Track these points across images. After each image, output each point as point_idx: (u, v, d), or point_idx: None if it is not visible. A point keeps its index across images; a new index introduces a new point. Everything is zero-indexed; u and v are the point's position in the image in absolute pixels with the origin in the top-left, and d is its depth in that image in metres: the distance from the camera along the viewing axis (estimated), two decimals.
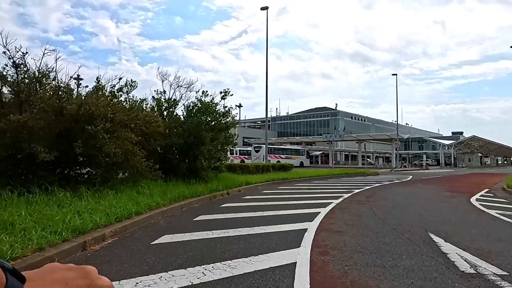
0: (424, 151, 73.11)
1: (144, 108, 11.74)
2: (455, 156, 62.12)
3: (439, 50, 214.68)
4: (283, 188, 15.06)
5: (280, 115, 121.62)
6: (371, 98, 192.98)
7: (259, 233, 6.11)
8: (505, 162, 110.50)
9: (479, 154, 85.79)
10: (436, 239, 5.88)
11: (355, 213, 8.65)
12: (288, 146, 59.23)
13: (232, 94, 13.94)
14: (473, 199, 11.95)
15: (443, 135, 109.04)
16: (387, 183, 19.57)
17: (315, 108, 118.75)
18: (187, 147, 12.03)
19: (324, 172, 24.15)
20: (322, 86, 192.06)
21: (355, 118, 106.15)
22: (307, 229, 6.45)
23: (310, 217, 7.64)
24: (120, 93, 8.95)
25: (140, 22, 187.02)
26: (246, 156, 57.09)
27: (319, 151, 77.54)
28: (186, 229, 6.39)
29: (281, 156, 53.46)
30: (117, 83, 9.15)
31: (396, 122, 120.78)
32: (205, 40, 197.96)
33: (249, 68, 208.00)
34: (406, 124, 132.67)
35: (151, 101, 12.87)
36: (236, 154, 58.63)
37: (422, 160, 69.49)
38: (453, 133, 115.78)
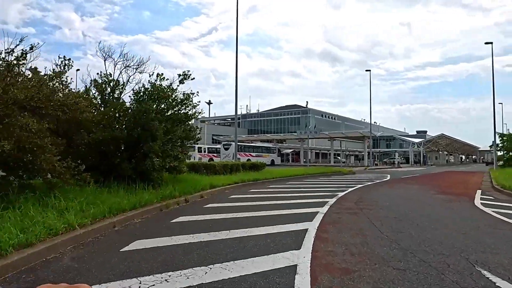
0: (394, 149, 73.27)
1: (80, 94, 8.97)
2: (424, 154, 62.39)
3: (404, 52, 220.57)
4: (255, 192, 12.70)
5: (251, 112, 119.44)
6: (339, 97, 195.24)
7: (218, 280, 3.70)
8: (467, 160, 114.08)
9: (445, 152, 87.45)
10: (501, 283, 3.71)
11: (354, 229, 6.40)
12: (259, 144, 57.10)
13: (193, 78, 11.39)
14: (478, 204, 10.12)
15: (409, 134, 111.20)
16: (369, 183, 17.71)
17: (286, 105, 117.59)
18: (134, 141, 9.37)
19: (299, 171, 22.04)
20: (291, 84, 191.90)
21: (325, 116, 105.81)
22: (295, 267, 4.11)
23: (296, 240, 5.31)
24: (24, 62, 6.14)
25: (106, 16, 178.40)
26: (215, 154, 54.42)
27: (290, 149, 76.01)
28: (101, 275, 3.86)
29: (252, 154, 51.22)
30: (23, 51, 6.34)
31: (364, 120, 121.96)
32: (175, 36, 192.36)
33: (219, 66, 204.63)
34: (375, 122, 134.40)
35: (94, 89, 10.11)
36: (205, 152, 55.82)
37: (392, 158, 69.56)
38: (417, 131, 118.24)
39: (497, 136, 36.08)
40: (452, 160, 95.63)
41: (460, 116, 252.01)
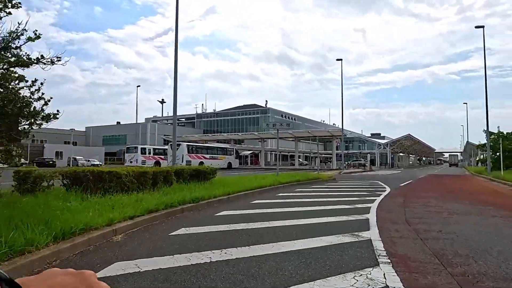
0: (359, 151, 68.99)
1: None
2: (392, 156, 58.40)
3: (357, 57, 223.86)
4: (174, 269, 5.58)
5: (206, 112, 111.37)
6: (296, 101, 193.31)
7: None
8: (424, 162, 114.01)
9: (406, 154, 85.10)
10: None
11: None
12: (215, 145, 49.63)
13: None
14: None
15: (366, 136, 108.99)
16: (378, 199, 11.19)
17: (244, 105, 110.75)
18: None
19: (265, 180, 15.01)
20: (249, 87, 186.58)
21: (285, 116, 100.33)
22: None
23: None
24: None
25: (55, 11, 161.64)
26: (163, 157, 46.09)
27: (249, 150, 69.29)
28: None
29: (205, 156, 43.67)
30: None
31: (324, 122, 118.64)
32: (129, 35, 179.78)
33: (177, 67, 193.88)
34: (334, 124, 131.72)
35: None
36: (150, 153, 47.32)
37: (357, 160, 65.09)
38: (372, 134, 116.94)
39: (484, 135, 31.66)
40: (411, 162, 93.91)
41: (409, 120, 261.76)
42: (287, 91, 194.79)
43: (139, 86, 60.97)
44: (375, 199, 11.31)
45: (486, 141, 31.75)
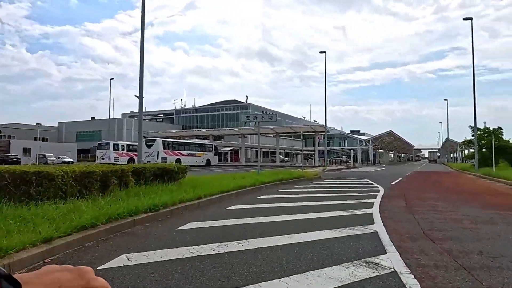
0: (341, 147, 68.01)
1: None
2: (374, 153, 57.63)
3: (337, 55, 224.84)
4: None
5: (185, 107, 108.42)
6: (276, 97, 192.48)
7: None
8: (402, 158, 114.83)
9: (387, 151, 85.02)
10: None
11: None
12: (192, 141, 47.35)
13: None
14: None
15: (346, 132, 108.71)
16: (372, 201, 9.52)
17: (224, 100, 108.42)
18: None
19: (245, 179, 13.09)
20: (230, 83, 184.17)
21: (265, 112, 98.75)
22: None
23: None
24: None
25: (28, 3, 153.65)
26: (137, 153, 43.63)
27: (229, 147, 67.29)
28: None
29: (182, 152, 41.39)
30: None
31: (305, 118, 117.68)
32: (107, 29, 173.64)
33: (155, 62, 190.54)
34: (314, 121, 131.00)
35: None
36: (123, 150, 44.66)
37: (339, 157, 64.11)
38: (351, 131, 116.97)
39: (470, 131, 30.86)
40: (391, 159, 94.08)
41: (386, 117, 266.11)
42: (268, 87, 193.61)
43: (112, 79, 57.84)
44: (373, 202, 9.63)
45: (471, 138, 30.94)
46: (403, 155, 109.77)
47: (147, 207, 6.71)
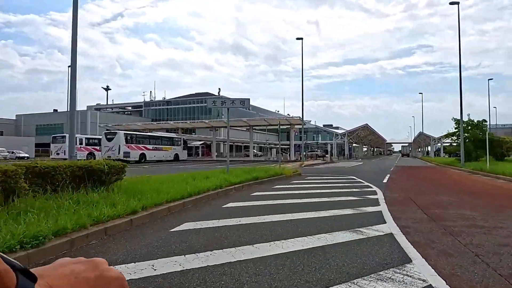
0: (315, 141, 66.13)
1: None
2: (350, 147, 56.05)
3: (311, 50, 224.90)
4: None
5: (155, 100, 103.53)
6: (250, 92, 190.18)
7: None
8: (375, 152, 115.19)
9: (361, 145, 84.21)
10: None
11: None
12: (159, 134, 43.71)
13: None
14: None
15: (319, 126, 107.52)
16: (378, 209, 6.91)
17: (196, 93, 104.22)
18: None
19: (210, 180, 10.01)
20: (203, 77, 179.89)
21: None
22: None
23: None
24: None
25: None
26: (98, 147, 39.38)
27: (200, 141, 63.98)
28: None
29: (147, 146, 37.78)
30: None
31: (278, 112, 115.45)
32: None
33: (126, 54, 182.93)
34: (288, 114, 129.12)
35: None
36: (81, 144, 40.39)
37: (314, 151, 62.23)
38: (324, 125, 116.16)
39: (453, 123, 29.26)
40: (365, 153, 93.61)
41: (358, 112, 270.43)
42: (242, 82, 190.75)
43: (69, 66, 52.58)
44: (380, 211, 7.05)
45: (454, 130, 29.36)
46: (375, 149, 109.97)
47: (31, 237, 3.71)
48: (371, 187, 11.82)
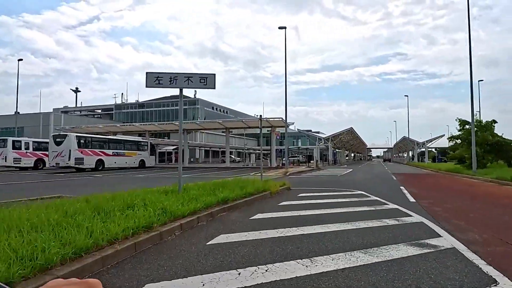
0: (297, 146, 61.88)
1: None
2: (334, 152, 52.14)
3: (290, 56, 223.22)
4: None
5: (127, 102, 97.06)
6: (229, 97, 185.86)
7: None
8: (356, 158, 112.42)
9: (344, 150, 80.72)
10: None
11: None
12: (122, 137, 38.22)
13: None
14: None
15: (301, 129, 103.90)
16: None
17: (171, 96, 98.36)
18: None
19: (134, 216, 5.32)
20: None
21: (216, 109, 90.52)
22: None
23: None
24: None
25: None
26: (47, 153, 33.50)
27: (172, 145, 58.59)
28: None
29: (106, 152, 32.25)
30: None
31: (257, 116, 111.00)
32: (48, 21, 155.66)
33: (102, 58, 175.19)
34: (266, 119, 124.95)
35: None
36: (27, 149, 34.30)
37: (294, 157, 58.01)
38: (302, 130, 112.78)
39: (457, 124, 25.49)
40: (347, 158, 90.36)
41: (335, 118, 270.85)
42: (221, 86, 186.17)
43: (21, 59, 46.64)
44: None
45: (458, 132, 25.56)
46: (357, 154, 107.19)
47: None
48: (409, 215, 7.30)
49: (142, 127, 40.56)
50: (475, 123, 24.96)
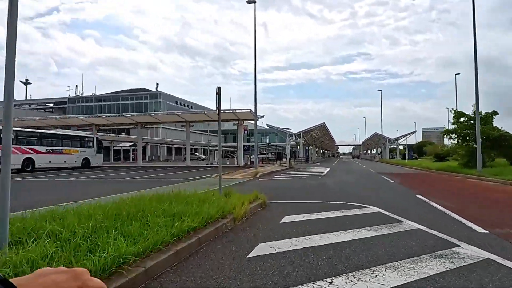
0: (265, 143, 57.63)
1: None
2: (306, 148, 48.35)
3: (258, 53, 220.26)
4: None
5: (83, 95, 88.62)
6: (197, 94, 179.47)
7: None
8: (326, 155, 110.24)
9: (314, 147, 77.46)
10: None
11: None
12: (59, 131, 32.00)
13: None
14: None
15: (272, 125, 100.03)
16: None
17: (131, 89, 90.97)
18: None
19: None
20: (147, 77, 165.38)
21: (180, 103, 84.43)
22: None
23: None
24: None
25: None
26: None
27: (129, 142, 52.47)
28: None
29: (37, 149, 26.18)
30: None
31: (224, 112, 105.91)
32: (2, 11, 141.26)
33: (62, 51, 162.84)
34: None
35: None
36: None
37: (263, 154, 53.74)
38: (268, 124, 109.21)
39: (451, 116, 22.04)
40: (317, 155, 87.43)
41: (302, 116, 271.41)
42: (189, 83, 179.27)
43: None
44: None
45: (454, 126, 22.10)
46: (326, 151, 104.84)
47: None
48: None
49: (87, 119, 34.41)
50: (473, 116, 21.63)
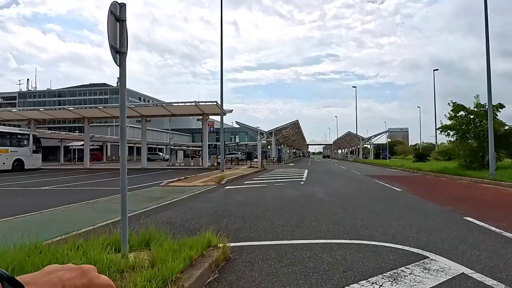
0: (235, 142, 53.48)
1: None
2: (279, 148, 44.67)
3: (229, 53, 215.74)
4: None
5: (36, 90, 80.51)
6: (166, 92, 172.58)
7: None
8: (296, 154, 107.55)
9: (286, 146, 74.15)
10: None
11: None
12: None
13: None
14: None
15: (242, 122, 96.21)
16: None
17: (90, 84, 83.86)
18: None
19: None
20: (114, 75, 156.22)
21: (144, 99, 78.52)
22: None
23: None
24: None
25: None
26: None
27: (81, 140, 46.47)
28: None
29: None
30: None
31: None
32: None
33: (21, 46, 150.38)
34: None
35: None
36: None
37: (231, 154, 49.68)
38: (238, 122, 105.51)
39: (450, 109, 18.95)
40: (289, 155, 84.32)
41: (271, 116, 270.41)
42: (157, 81, 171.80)
43: None
44: None
45: (452, 121, 19.02)
46: (297, 151, 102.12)
47: None
48: None
49: (22, 113, 28.71)
50: (475, 110, 18.64)
